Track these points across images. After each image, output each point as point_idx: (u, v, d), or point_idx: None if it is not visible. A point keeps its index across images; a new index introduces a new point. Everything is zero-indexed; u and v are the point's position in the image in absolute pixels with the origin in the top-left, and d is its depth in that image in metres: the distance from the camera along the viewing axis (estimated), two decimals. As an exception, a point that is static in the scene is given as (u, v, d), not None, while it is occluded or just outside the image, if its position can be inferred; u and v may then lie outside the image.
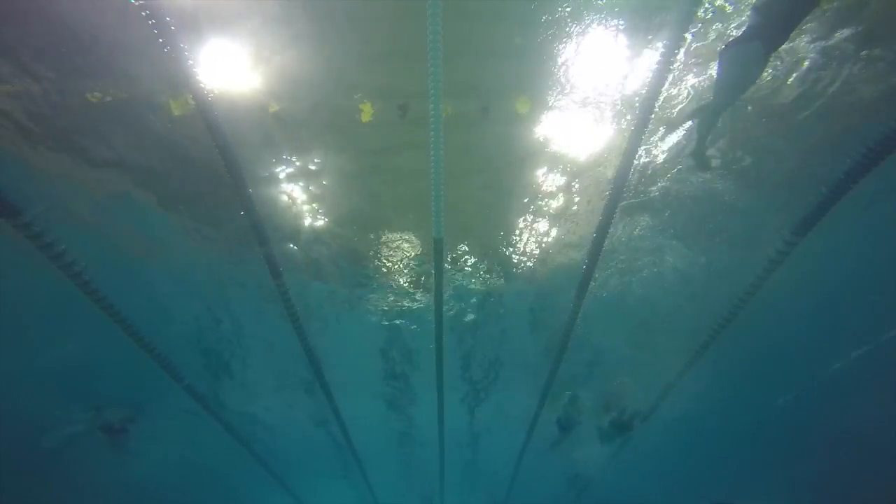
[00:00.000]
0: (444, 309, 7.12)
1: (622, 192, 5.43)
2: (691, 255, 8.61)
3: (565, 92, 5.73)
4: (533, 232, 7.90)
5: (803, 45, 5.25)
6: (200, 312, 9.48)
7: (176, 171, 6.39)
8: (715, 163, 6.78)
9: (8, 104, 5.26)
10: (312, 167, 6.62)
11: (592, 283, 6.95)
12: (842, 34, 5.13)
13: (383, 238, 7.94)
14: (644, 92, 4.29)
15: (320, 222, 7.48)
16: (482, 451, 17.42)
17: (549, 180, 6.98)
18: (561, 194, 7.17)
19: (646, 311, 9.77)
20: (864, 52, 5.25)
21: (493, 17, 4.92)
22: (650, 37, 5.04)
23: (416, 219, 7.50)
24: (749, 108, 5.97)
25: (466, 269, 8.75)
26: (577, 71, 5.48)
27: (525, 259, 8.53)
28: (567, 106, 5.92)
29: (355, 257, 8.33)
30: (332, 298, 9.23)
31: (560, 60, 5.37)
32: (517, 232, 7.93)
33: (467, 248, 8.32)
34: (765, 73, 5.48)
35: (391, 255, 8.29)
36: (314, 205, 7.16)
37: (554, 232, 7.88)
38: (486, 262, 8.60)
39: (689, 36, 4.80)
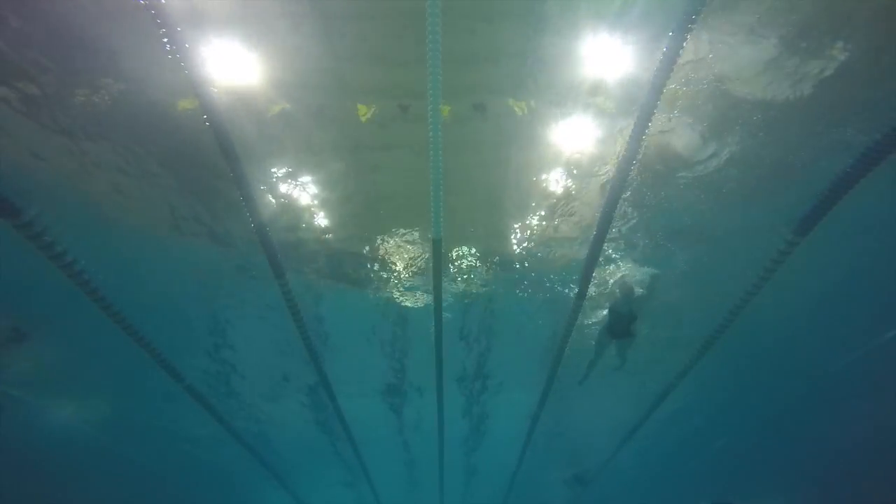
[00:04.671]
0: (443, 308, 7.12)
1: (622, 191, 5.45)
2: (691, 256, 8.59)
3: (565, 91, 5.72)
4: (533, 232, 7.89)
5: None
6: (201, 311, 9.49)
7: (179, 169, 6.39)
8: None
9: (9, 104, 5.26)
10: (314, 167, 6.62)
11: (592, 283, 6.95)
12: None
13: (383, 238, 7.94)
14: (646, 91, 4.28)
15: (321, 222, 7.48)
16: (483, 450, 17.44)
17: (549, 180, 6.97)
18: (561, 194, 7.16)
19: (645, 310, 9.72)
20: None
21: (491, 17, 4.91)
22: (652, 35, 5.03)
23: (415, 219, 7.49)
24: (745, 108, 5.96)
25: (466, 269, 8.75)
26: (577, 70, 5.47)
27: (525, 259, 8.52)
28: (567, 105, 5.90)
29: (356, 257, 8.33)
30: (332, 297, 9.24)
31: (560, 60, 5.36)
32: (517, 232, 7.93)
33: (467, 249, 8.32)
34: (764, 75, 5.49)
35: (391, 256, 8.29)
36: (316, 204, 7.16)
37: (554, 231, 7.87)
38: (485, 262, 8.60)
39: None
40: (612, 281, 8.66)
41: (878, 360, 11.42)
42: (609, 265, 8.55)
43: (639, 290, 7.98)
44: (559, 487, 19.70)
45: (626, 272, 8.44)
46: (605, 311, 8.82)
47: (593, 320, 9.69)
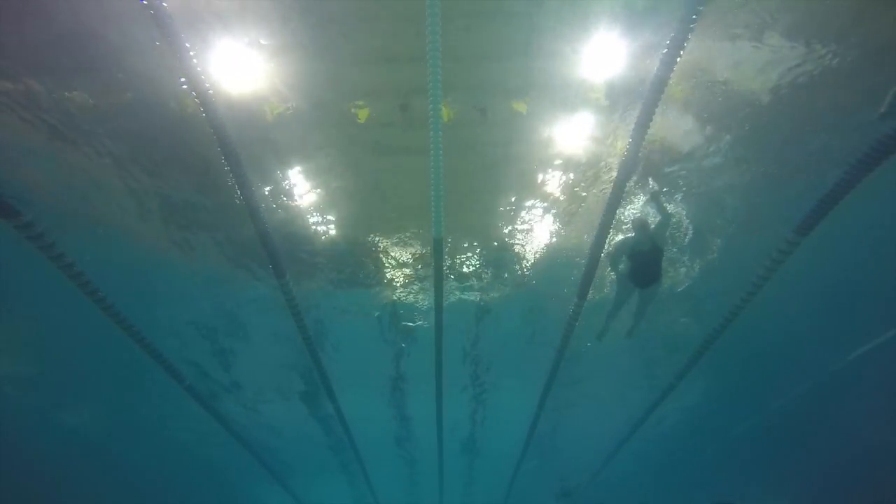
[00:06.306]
0: (444, 307, 7.12)
1: (624, 190, 5.45)
2: (691, 254, 8.59)
3: (565, 91, 5.71)
4: (533, 231, 7.89)
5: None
6: (201, 311, 9.47)
7: (179, 169, 6.38)
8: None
9: (10, 104, 5.26)
10: (314, 167, 6.61)
11: (593, 283, 6.94)
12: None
13: (384, 238, 7.93)
14: (646, 91, 4.28)
15: (322, 222, 7.48)
16: (482, 450, 17.43)
17: (549, 179, 6.96)
18: (562, 193, 7.15)
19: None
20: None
21: (492, 17, 4.91)
22: (653, 33, 5.02)
23: (416, 219, 7.49)
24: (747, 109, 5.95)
25: (466, 268, 8.74)
26: (576, 70, 5.46)
27: (525, 259, 8.51)
28: (568, 104, 5.90)
29: (356, 257, 8.32)
30: (333, 297, 9.23)
31: (560, 59, 5.35)
32: (518, 232, 7.92)
33: (467, 248, 8.31)
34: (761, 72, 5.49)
35: (392, 255, 8.29)
36: (316, 204, 7.15)
37: (555, 231, 7.87)
38: (486, 261, 8.59)
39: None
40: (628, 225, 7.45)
41: (880, 359, 11.42)
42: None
43: (654, 221, 6.83)
44: (558, 489, 19.74)
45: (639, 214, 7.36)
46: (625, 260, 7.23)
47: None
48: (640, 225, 6.39)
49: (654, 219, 6.81)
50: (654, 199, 6.77)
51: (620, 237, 7.33)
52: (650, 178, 6.93)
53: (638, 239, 6.44)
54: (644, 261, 6.58)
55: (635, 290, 7.15)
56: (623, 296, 7.41)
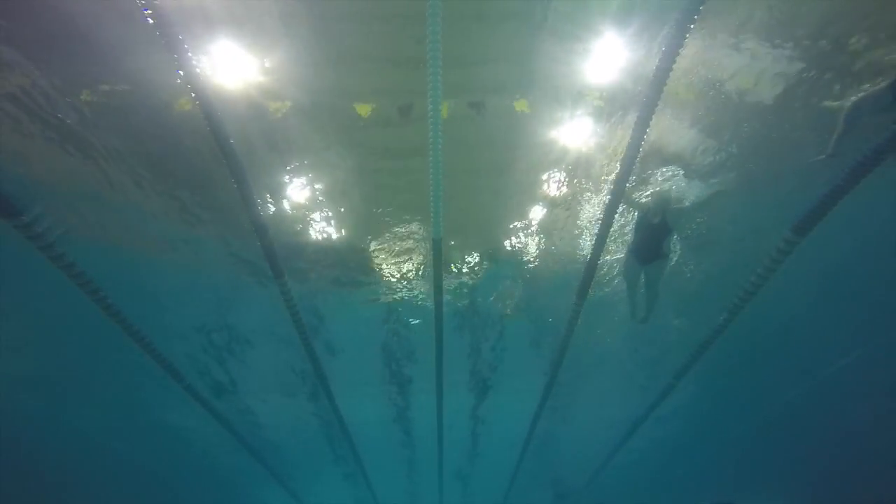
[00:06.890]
0: (443, 308, 7.13)
1: (624, 190, 5.46)
2: (691, 252, 8.60)
3: (565, 90, 5.72)
4: (534, 232, 7.89)
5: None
6: (200, 311, 9.48)
7: (178, 169, 6.39)
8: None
9: (9, 103, 5.26)
10: (313, 167, 6.62)
11: (593, 285, 6.95)
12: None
13: (383, 238, 7.94)
14: (646, 90, 4.29)
15: (321, 222, 7.48)
16: (482, 450, 17.42)
17: (549, 179, 6.97)
18: (561, 193, 7.16)
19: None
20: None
21: (491, 17, 4.92)
22: (652, 34, 5.03)
23: (415, 218, 7.50)
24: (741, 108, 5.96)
25: (466, 268, 8.75)
26: (577, 70, 5.47)
27: (525, 259, 8.52)
28: (567, 105, 5.91)
29: (355, 257, 8.32)
30: (332, 297, 9.24)
31: (560, 58, 5.36)
32: (518, 232, 7.93)
33: (467, 248, 8.31)
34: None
35: (391, 256, 8.29)
36: (315, 205, 7.16)
37: (555, 231, 7.87)
38: (485, 262, 8.60)
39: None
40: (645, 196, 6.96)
41: (879, 359, 11.43)
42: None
43: (677, 202, 6.64)
44: (554, 491, 19.79)
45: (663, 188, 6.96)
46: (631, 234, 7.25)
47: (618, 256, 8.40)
48: (658, 197, 6.19)
49: (677, 198, 6.69)
50: (698, 182, 6.60)
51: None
52: (650, 178, 6.95)
53: (652, 210, 6.22)
54: (650, 234, 6.40)
55: (641, 269, 6.99)
56: (630, 274, 7.25)
